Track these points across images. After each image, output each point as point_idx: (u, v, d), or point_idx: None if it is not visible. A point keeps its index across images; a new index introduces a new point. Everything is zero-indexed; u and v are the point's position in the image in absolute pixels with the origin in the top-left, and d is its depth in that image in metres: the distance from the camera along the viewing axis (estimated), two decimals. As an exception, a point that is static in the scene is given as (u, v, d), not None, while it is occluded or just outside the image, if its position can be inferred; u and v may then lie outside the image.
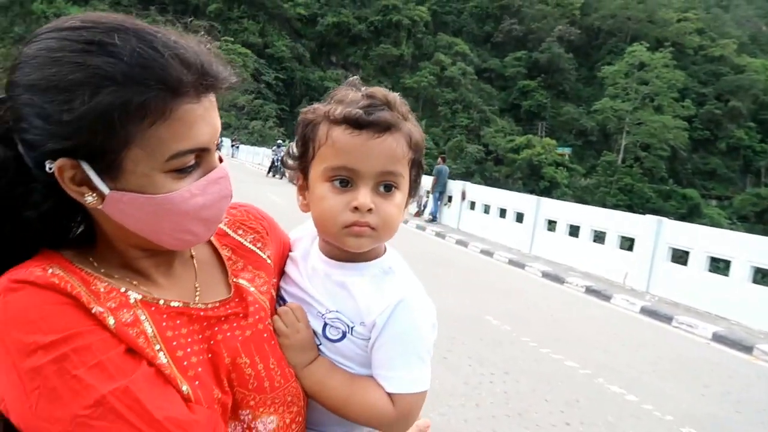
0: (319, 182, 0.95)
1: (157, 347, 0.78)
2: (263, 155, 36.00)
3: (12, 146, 0.77)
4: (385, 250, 1.04)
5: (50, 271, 0.75)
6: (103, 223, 0.83)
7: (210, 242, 0.99)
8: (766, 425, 5.19)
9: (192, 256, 0.95)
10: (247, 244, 1.04)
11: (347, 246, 0.95)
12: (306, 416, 0.97)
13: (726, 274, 9.25)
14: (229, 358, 0.85)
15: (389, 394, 0.95)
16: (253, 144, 46.72)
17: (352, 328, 0.96)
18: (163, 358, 0.78)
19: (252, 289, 0.96)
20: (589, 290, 9.93)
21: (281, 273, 1.08)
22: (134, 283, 0.84)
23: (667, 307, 9.07)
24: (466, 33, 74.88)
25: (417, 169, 1.01)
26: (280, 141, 32.01)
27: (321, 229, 0.99)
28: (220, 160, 0.87)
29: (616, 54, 68.37)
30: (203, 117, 0.79)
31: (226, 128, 52.02)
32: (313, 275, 1.02)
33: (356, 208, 0.92)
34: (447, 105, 66.07)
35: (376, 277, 0.99)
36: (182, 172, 0.79)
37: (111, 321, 0.75)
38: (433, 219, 17.21)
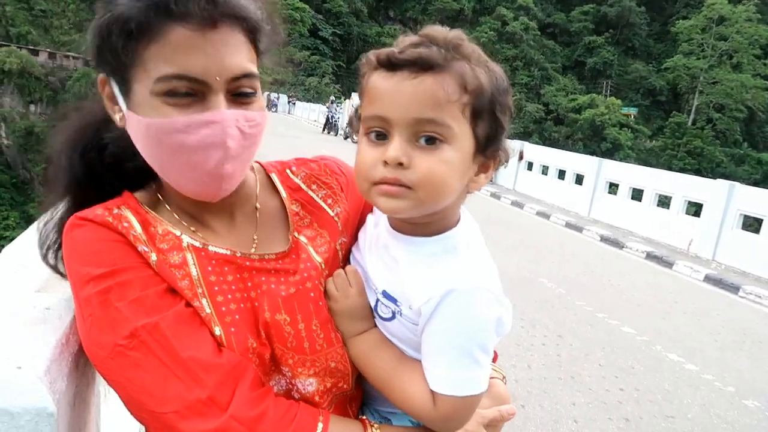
0: (360, 137, 0.85)
1: (199, 290, 0.81)
2: (319, 112, 36.07)
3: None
4: (458, 222, 0.89)
5: (115, 211, 0.82)
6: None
7: (280, 196, 0.98)
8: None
9: (257, 209, 0.94)
10: (318, 199, 1.00)
11: (379, 207, 0.83)
12: (356, 386, 0.94)
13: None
14: (268, 313, 0.84)
15: (432, 391, 0.84)
16: (309, 101, 46.86)
17: (400, 309, 0.87)
18: (203, 301, 0.80)
19: (309, 247, 0.94)
20: (650, 256, 9.60)
21: (356, 232, 1.02)
22: (192, 229, 0.87)
23: (735, 276, 8.67)
24: (530, -15, 71.73)
25: (487, 121, 0.81)
26: (333, 98, 31.95)
27: (358, 187, 0.86)
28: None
29: (693, 7, 64.03)
30: (202, 48, 0.75)
31: (282, 85, 52.38)
32: (374, 245, 0.94)
33: (386, 163, 0.79)
34: (507, 62, 63.90)
35: (434, 257, 0.85)
36: (172, 97, 0.76)
37: (153, 258, 0.80)
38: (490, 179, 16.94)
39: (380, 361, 0.88)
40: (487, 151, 0.83)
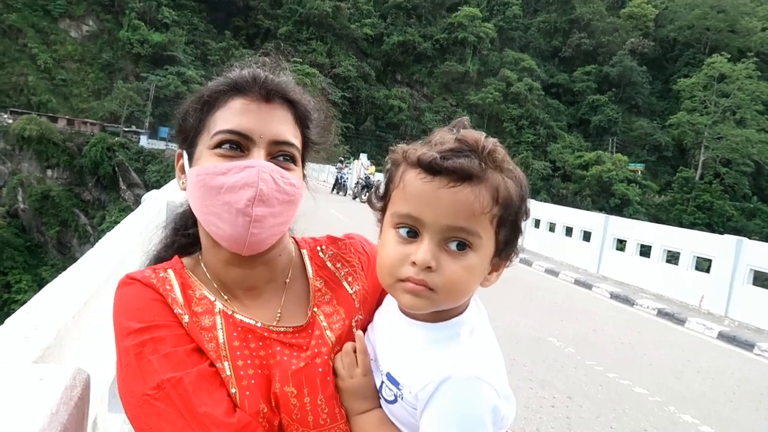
0: (387, 227, 0.88)
1: (223, 353, 0.88)
2: (328, 172, 36.70)
3: None
4: (465, 309, 0.91)
5: (161, 274, 0.94)
6: (197, 223, 1.00)
7: (306, 274, 1.05)
8: None
9: (285, 283, 1.02)
10: (340, 277, 1.06)
11: (400, 302, 0.87)
12: None
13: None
14: (278, 384, 0.88)
15: None
16: (318, 162, 47.66)
17: (401, 393, 0.88)
18: (225, 363, 0.87)
19: (324, 323, 0.98)
20: (661, 313, 9.46)
21: (374, 310, 1.05)
22: (225, 297, 0.96)
23: (749, 333, 8.50)
24: (533, 48, 73.87)
25: (508, 229, 0.86)
26: (342, 158, 32.58)
27: (380, 279, 0.90)
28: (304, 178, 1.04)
29: (694, 66, 65.47)
30: (255, 113, 0.93)
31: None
32: (384, 327, 0.97)
33: (414, 263, 0.81)
34: (512, 121, 65.19)
35: (438, 343, 0.87)
36: (221, 149, 0.92)
37: (185, 320, 0.89)
38: (497, 237, 16.96)
39: None
40: (503, 254, 0.89)
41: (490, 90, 65.59)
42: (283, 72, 1.01)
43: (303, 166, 1.02)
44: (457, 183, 0.81)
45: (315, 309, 0.99)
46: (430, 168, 0.82)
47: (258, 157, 0.91)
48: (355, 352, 0.95)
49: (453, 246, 0.82)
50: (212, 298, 0.94)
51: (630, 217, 37.26)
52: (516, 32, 74.65)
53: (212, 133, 0.93)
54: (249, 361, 0.89)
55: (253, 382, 0.87)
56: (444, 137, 0.86)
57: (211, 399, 0.83)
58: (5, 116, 49.09)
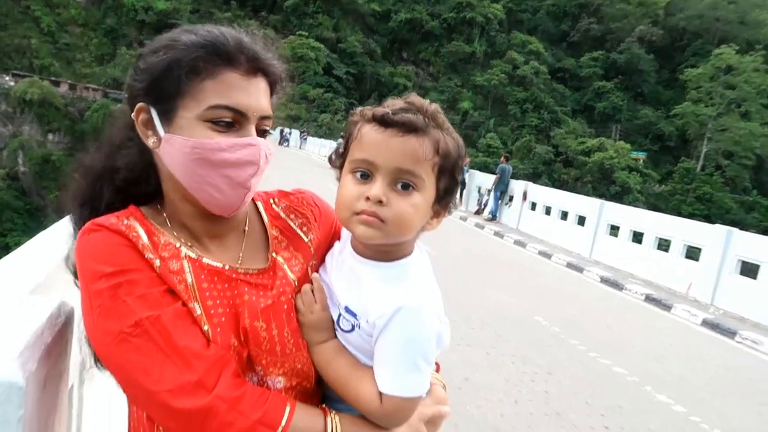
0: (345, 174, 1.03)
1: (193, 294, 0.96)
2: (329, 148, 36.63)
3: (131, 127, 1.03)
4: (411, 254, 1.06)
5: (124, 221, 0.97)
6: (164, 176, 1.03)
7: (263, 222, 1.15)
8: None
9: (245, 231, 1.11)
10: (295, 227, 1.17)
11: (356, 234, 1.00)
12: (317, 385, 1.07)
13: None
14: (248, 320, 0.99)
15: (380, 392, 0.99)
16: (321, 136, 47.60)
17: (358, 323, 1.01)
18: (195, 304, 0.96)
19: (285, 266, 1.09)
20: (649, 298, 9.61)
21: (324, 256, 1.19)
22: (189, 244, 1.03)
23: (732, 321, 8.65)
24: (541, 31, 73.16)
25: (447, 179, 1.02)
26: (343, 134, 32.51)
27: (338, 216, 1.04)
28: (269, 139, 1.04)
29: (702, 56, 64.88)
30: (245, 89, 0.97)
31: (296, 120, 53.23)
32: (339, 266, 1.10)
33: (368, 198, 0.96)
34: (517, 104, 64.88)
35: (389, 279, 1.02)
36: (217, 124, 0.95)
37: (157, 264, 0.96)
38: (493, 218, 17.05)
39: (338, 366, 1.03)
40: (443, 201, 1.04)
41: (496, 72, 65.15)
42: (256, 38, 1.03)
43: None
44: (405, 133, 0.97)
45: (274, 254, 1.10)
46: (383, 121, 0.98)
47: (252, 133, 0.98)
48: (312, 291, 1.07)
49: (400, 186, 0.98)
50: (177, 245, 1.00)
51: (630, 205, 37.38)
52: (524, 14, 73.88)
53: (205, 105, 0.95)
54: (218, 301, 0.98)
55: (223, 319, 0.97)
56: (395, 101, 1.03)
57: (188, 334, 0.91)
58: (7, 78, 48.83)
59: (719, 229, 10.02)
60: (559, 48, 73.20)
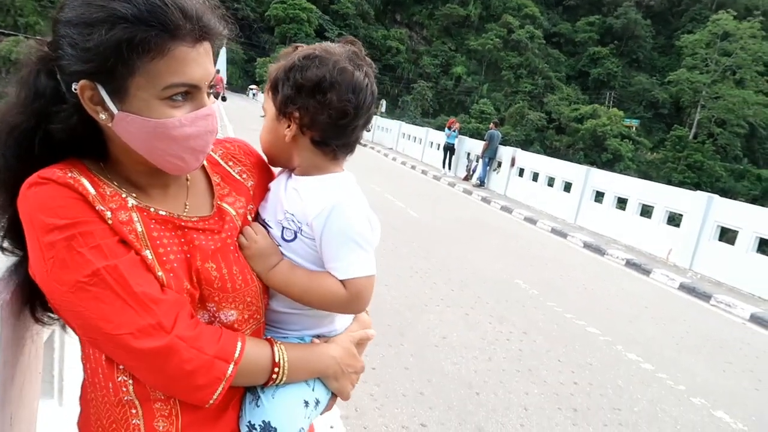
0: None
1: (144, 243, 1.02)
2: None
3: (52, 77, 0.99)
4: (339, 172, 1.22)
5: (69, 174, 0.98)
6: (113, 141, 1.05)
7: (204, 169, 1.22)
8: (785, 405, 5.16)
9: (187, 179, 1.18)
10: (235, 174, 1.26)
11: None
12: (265, 316, 1.20)
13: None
14: (200, 262, 1.08)
15: (341, 281, 1.14)
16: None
17: (300, 228, 1.15)
18: (147, 251, 1.02)
19: (231, 210, 1.19)
20: (630, 263, 9.83)
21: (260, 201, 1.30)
22: (133, 195, 1.07)
23: (708, 285, 8.91)
24: (537, -6, 72.01)
25: (279, 92, 1.20)
26: (252, 86, 32.05)
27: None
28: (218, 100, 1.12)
29: (699, 22, 64.25)
30: (196, 60, 0.97)
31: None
32: (277, 186, 1.24)
33: None
34: (511, 69, 64.28)
35: (322, 188, 1.17)
36: (174, 101, 0.97)
37: (108, 215, 1.00)
38: (481, 184, 17.17)
39: (296, 279, 1.16)
40: (282, 112, 1.19)
41: (491, 36, 64.29)
42: None
43: None
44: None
45: (218, 201, 1.19)
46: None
47: (206, 101, 1.02)
48: (251, 227, 1.20)
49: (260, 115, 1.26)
50: (124, 195, 1.03)
51: (621, 172, 37.54)
52: (521, -24, 72.45)
53: (161, 85, 0.95)
54: (169, 248, 1.05)
55: (175, 265, 1.04)
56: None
57: (145, 281, 0.97)
58: (-8, 37, 47.74)
59: (700, 196, 10.19)
60: (555, 12, 72.23)
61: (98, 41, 0.91)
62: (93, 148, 1.06)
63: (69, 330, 1.07)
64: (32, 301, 1.10)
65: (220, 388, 1.01)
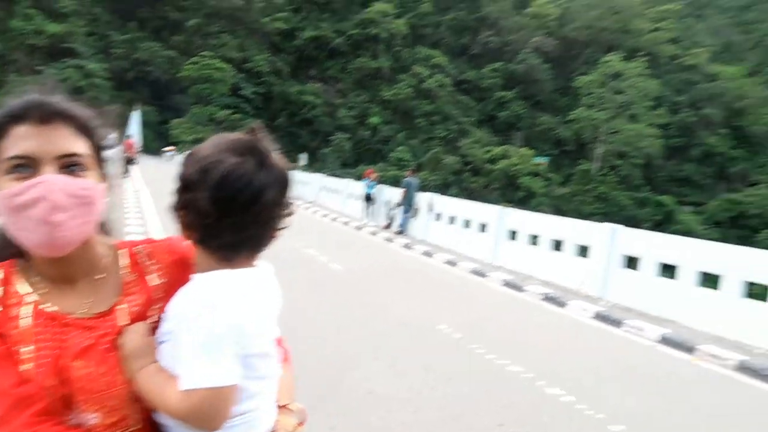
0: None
1: (27, 338, 1.08)
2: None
3: None
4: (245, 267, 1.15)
5: None
6: None
7: (126, 268, 1.24)
8: (696, 422, 5.46)
9: (100, 279, 1.20)
10: (148, 272, 1.25)
11: None
12: (147, 426, 1.14)
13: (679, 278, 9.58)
14: (68, 359, 1.09)
15: (182, 392, 1.02)
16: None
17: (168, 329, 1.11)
18: (28, 347, 1.07)
19: (125, 308, 1.18)
20: (547, 298, 10.22)
21: None
22: (45, 290, 1.13)
23: (619, 312, 9.38)
24: (443, 45, 75.61)
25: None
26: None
27: None
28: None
29: (592, 64, 69.37)
30: (36, 135, 1.07)
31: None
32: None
33: None
34: (425, 117, 66.61)
35: (192, 287, 1.09)
36: (19, 172, 1.05)
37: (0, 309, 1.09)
38: (402, 231, 17.46)
39: (151, 384, 1.08)
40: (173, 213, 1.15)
41: (403, 86, 66.61)
42: (57, 93, 1.15)
43: (101, 167, 1.17)
44: None
45: (119, 300, 1.19)
46: None
47: (48, 173, 1.05)
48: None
49: None
50: (29, 291, 1.11)
51: (534, 208, 39.27)
52: (427, 29, 76.07)
53: (3, 159, 1.06)
54: (48, 344, 1.08)
55: (48, 360, 1.06)
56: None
57: (2, 374, 1.03)
58: None
59: (605, 227, 10.84)
60: (461, 60, 75.92)
61: None
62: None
63: None
64: None
65: None
